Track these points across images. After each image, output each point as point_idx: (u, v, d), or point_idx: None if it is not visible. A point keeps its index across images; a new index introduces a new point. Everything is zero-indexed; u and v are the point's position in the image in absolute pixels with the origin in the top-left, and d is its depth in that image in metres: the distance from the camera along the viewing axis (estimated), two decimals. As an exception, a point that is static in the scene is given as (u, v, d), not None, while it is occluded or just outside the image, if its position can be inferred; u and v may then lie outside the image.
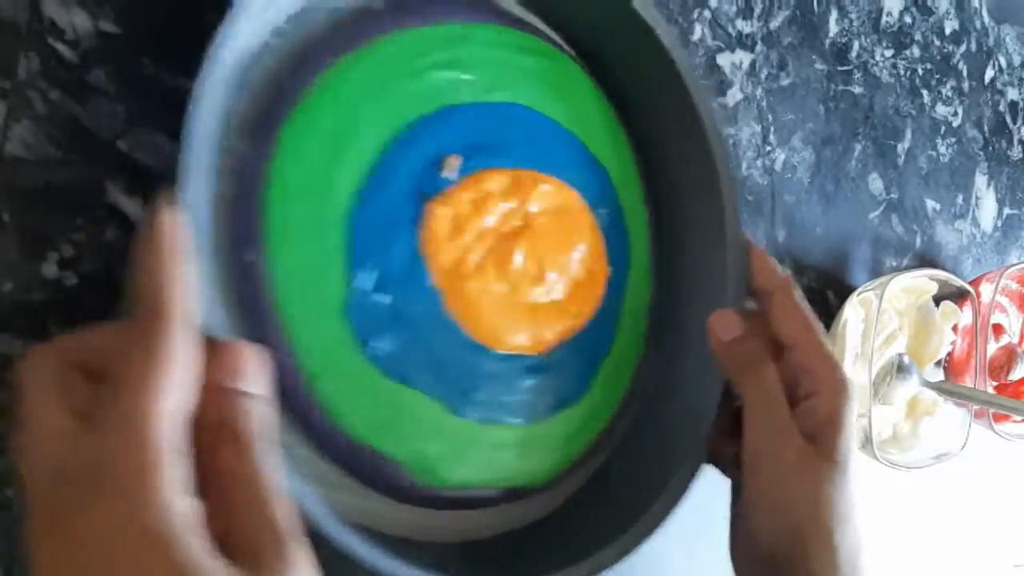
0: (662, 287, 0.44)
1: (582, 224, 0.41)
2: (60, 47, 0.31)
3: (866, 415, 0.51)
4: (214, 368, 0.24)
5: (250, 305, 0.32)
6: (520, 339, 0.38)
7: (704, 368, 0.39)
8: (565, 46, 0.42)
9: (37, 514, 0.21)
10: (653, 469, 0.40)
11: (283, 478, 0.24)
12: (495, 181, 0.38)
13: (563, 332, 0.40)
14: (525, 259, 0.39)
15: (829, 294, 0.55)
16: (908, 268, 0.59)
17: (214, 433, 0.23)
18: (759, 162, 0.52)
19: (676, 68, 0.40)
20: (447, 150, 0.37)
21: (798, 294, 0.38)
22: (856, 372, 0.52)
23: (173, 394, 0.22)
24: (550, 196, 0.40)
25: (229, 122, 0.31)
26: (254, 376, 0.24)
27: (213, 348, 0.24)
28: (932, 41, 0.62)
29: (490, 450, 0.38)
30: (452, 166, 0.36)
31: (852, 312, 0.53)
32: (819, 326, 0.37)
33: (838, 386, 0.36)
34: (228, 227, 0.31)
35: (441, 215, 0.36)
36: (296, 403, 0.33)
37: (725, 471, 0.39)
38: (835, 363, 0.36)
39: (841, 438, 0.35)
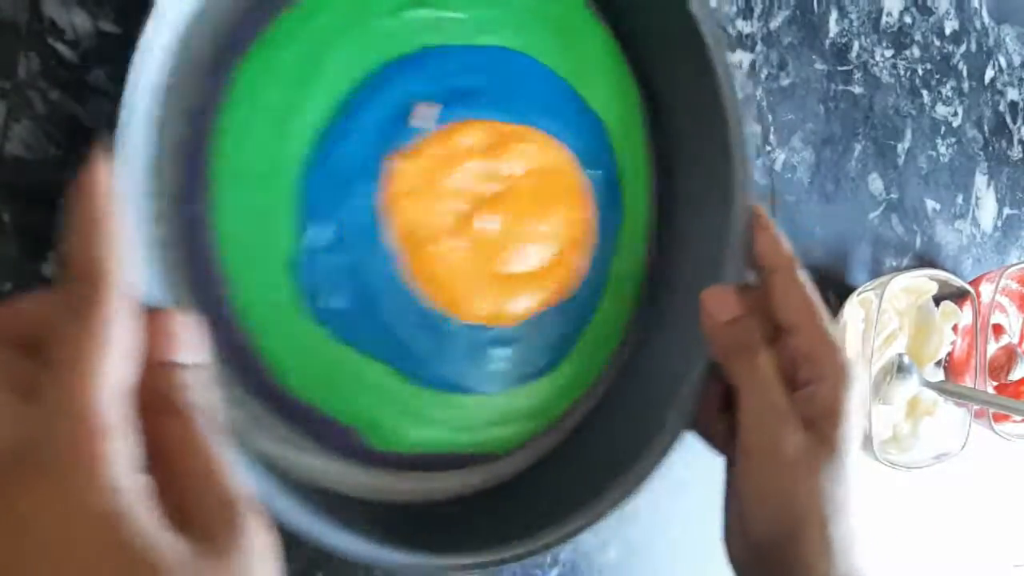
0: (656, 255, 0.42)
1: (569, 188, 0.38)
2: (60, 47, 0.31)
3: (866, 415, 0.51)
4: (150, 340, 0.22)
5: (193, 260, 0.30)
6: (484, 310, 0.36)
7: (691, 339, 0.37)
8: None
9: None
10: (630, 436, 0.38)
11: (229, 448, 0.23)
12: (471, 135, 0.35)
13: (535, 306, 0.37)
14: (500, 225, 0.36)
15: (829, 294, 0.55)
16: (908, 268, 0.59)
17: (156, 407, 0.22)
18: (759, 162, 0.52)
19: (691, 16, 0.36)
20: (421, 97, 0.34)
21: (802, 273, 0.36)
22: (856, 372, 0.52)
23: (114, 368, 0.21)
24: (534, 154, 0.37)
25: (179, 64, 0.29)
26: (190, 346, 0.23)
27: (147, 318, 0.23)
28: (932, 41, 0.62)
29: (451, 417, 0.36)
30: (425, 115, 0.33)
31: (852, 312, 0.53)
32: (823, 309, 0.35)
33: (841, 373, 0.34)
34: (174, 177, 0.30)
35: (404, 171, 0.34)
36: (245, 362, 0.32)
37: (716, 446, 0.38)
38: (838, 349, 0.34)
39: (841, 428, 0.33)
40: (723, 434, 0.37)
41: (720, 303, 0.36)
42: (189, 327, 0.24)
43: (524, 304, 0.37)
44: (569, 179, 0.38)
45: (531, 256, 0.37)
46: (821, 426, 0.33)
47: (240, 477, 0.23)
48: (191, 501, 0.22)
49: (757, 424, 0.34)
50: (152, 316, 0.23)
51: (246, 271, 0.31)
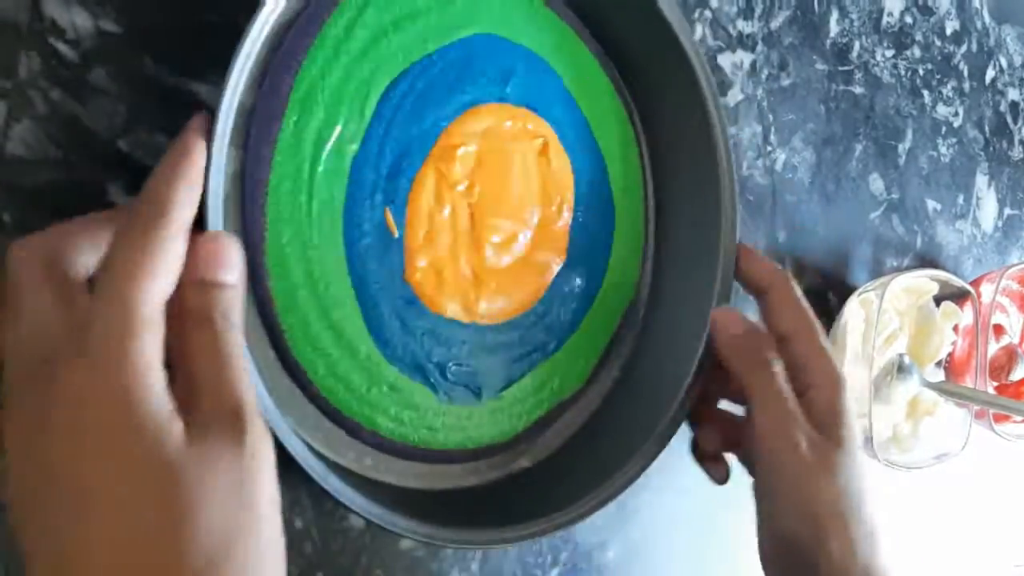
0: (650, 269, 0.45)
1: (556, 176, 0.41)
2: (61, 47, 0.31)
3: (866, 415, 0.51)
4: (191, 258, 0.26)
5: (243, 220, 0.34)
6: (454, 308, 0.39)
7: (686, 336, 0.40)
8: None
9: (14, 391, 0.24)
10: (629, 430, 0.40)
11: (247, 364, 0.26)
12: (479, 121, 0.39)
13: (515, 303, 0.40)
14: (476, 193, 0.39)
15: (830, 294, 0.55)
16: (909, 268, 0.59)
17: (187, 318, 0.25)
18: (760, 162, 0.52)
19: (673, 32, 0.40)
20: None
21: (796, 288, 0.39)
22: (856, 372, 0.52)
23: (162, 279, 0.24)
24: (528, 136, 0.40)
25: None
26: (227, 266, 0.26)
27: (194, 238, 0.26)
28: (933, 41, 0.62)
29: (446, 419, 0.39)
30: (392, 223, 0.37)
31: (853, 312, 0.53)
32: (815, 320, 0.38)
33: (834, 378, 0.37)
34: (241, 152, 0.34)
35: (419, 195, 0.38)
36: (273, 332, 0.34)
37: (708, 468, 0.41)
38: (830, 357, 0.38)
39: (846, 426, 0.36)
40: (711, 452, 0.40)
41: (730, 319, 0.39)
42: (226, 248, 0.26)
43: (491, 305, 0.40)
44: (559, 170, 0.42)
45: (507, 233, 0.40)
46: (828, 427, 0.36)
47: (251, 385, 0.25)
48: (207, 400, 0.24)
49: (775, 430, 0.36)
50: (197, 236, 0.26)
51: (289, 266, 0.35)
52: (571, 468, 0.41)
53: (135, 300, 0.23)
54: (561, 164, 0.42)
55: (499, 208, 0.40)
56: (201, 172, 0.27)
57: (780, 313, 0.38)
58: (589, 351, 0.43)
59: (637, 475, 0.39)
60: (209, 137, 0.27)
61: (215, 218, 0.28)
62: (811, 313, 0.38)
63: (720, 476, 0.40)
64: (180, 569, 0.22)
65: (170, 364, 0.24)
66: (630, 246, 0.44)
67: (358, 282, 0.36)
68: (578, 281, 0.42)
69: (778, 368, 0.37)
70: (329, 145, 0.35)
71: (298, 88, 0.34)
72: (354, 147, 0.36)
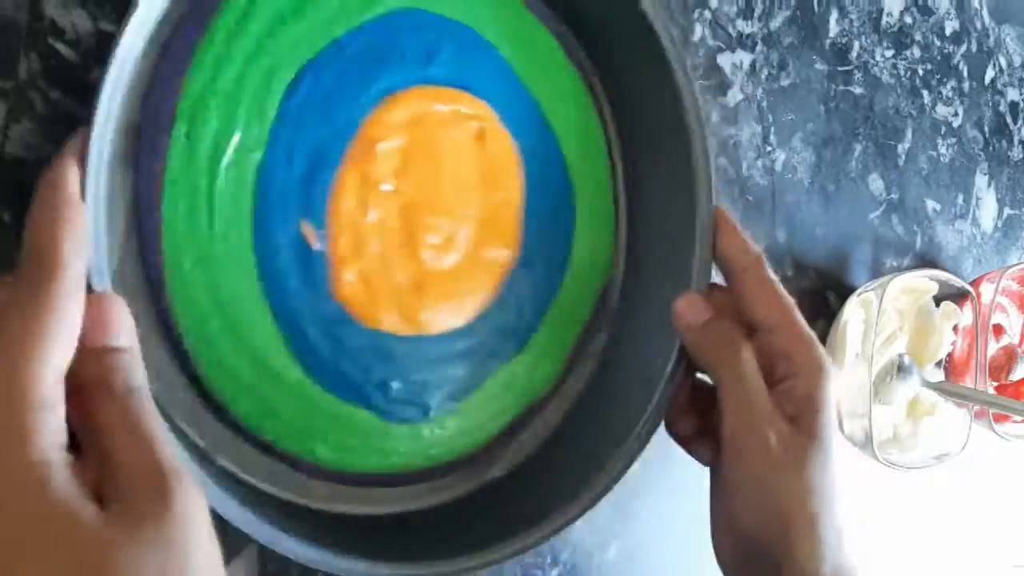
0: (620, 263, 0.42)
1: (499, 165, 0.38)
2: (60, 47, 0.31)
3: (866, 415, 0.51)
4: (85, 324, 0.24)
5: (141, 264, 0.31)
6: (391, 320, 0.35)
7: (659, 332, 0.38)
8: None
9: None
10: (598, 440, 0.38)
11: (161, 425, 0.24)
12: (404, 107, 0.35)
13: (466, 304, 0.37)
14: (413, 190, 0.35)
15: (829, 294, 0.55)
16: (908, 268, 0.59)
17: (86, 389, 0.23)
18: (759, 162, 0.52)
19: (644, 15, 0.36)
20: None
21: (770, 271, 0.36)
22: (856, 372, 0.52)
23: (56, 350, 0.22)
24: (462, 121, 0.37)
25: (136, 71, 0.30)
26: (116, 330, 0.24)
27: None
28: (932, 41, 0.62)
29: (386, 439, 0.36)
30: (311, 235, 0.33)
31: (852, 312, 0.53)
32: (793, 305, 0.36)
33: (818, 366, 0.34)
34: (125, 185, 0.31)
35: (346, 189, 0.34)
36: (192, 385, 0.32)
37: (690, 449, 0.38)
38: (814, 342, 0.35)
39: (822, 418, 0.34)
40: (692, 434, 0.37)
41: (692, 307, 0.36)
42: (115, 312, 0.24)
43: (434, 313, 0.36)
44: (501, 155, 0.38)
45: (446, 231, 0.37)
46: (802, 419, 0.34)
47: (169, 451, 0.23)
48: (122, 473, 0.22)
49: (742, 419, 0.34)
50: (86, 301, 0.24)
51: (196, 287, 0.32)
52: (549, 473, 0.38)
53: (29, 381, 0.21)
54: (503, 146, 0.38)
55: (434, 205, 0.36)
56: (82, 210, 0.24)
57: (756, 298, 0.35)
58: (557, 349, 0.40)
59: (620, 475, 0.36)
60: (83, 161, 0.25)
61: (101, 268, 0.25)
62: (789, 298, 0.35)
63: (706, 457, 0.37)
64: None
65: (76, 441, 0.23)
66: (596, 231, 0.40)
67: (277, 304, 0.33)
68: (537, 273, 0.39)
69: (747, 355, 0.34)
70: (228, 156, 0.31)
71: (186, 95, 0.30)
72: (257, 155, 0.32)
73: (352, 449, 0.35)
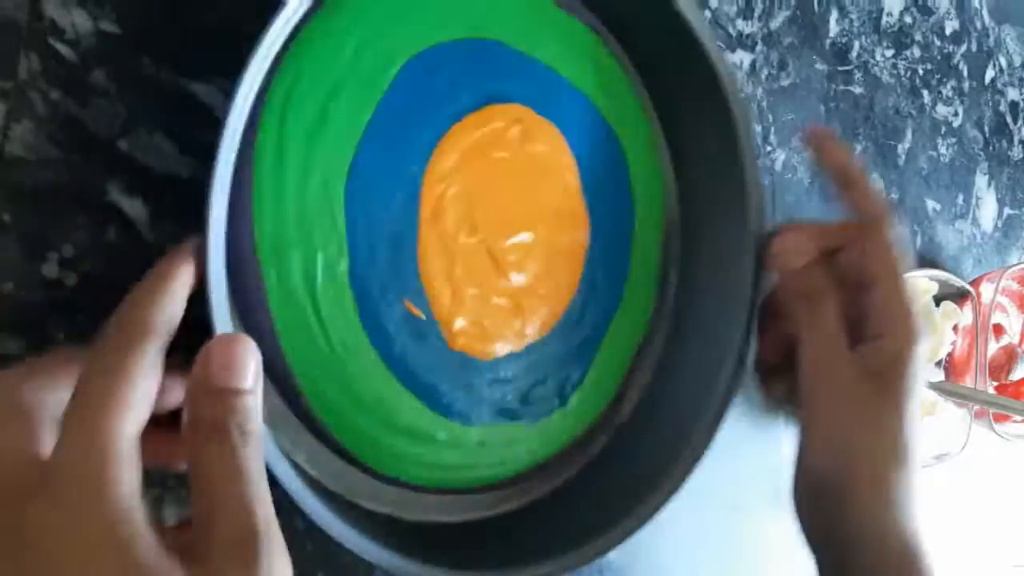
0: (673, 279, 0.43)
1: (565, 196, 0.39)
2: (60, 47, 0.31)
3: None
4: (201, 365, 0.24)
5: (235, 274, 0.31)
6: (504, 346, 0.37)
7: (712, 344, 0.39)
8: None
9: None
10: (612, 501, 0.39)
11: (265, 478, 0.24)
12: (496, 121, 0.37)
13: (534, 329, 0.38)
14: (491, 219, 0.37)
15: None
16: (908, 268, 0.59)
17: (199, 431, 0.23)
18: (759, 162, 0.52)
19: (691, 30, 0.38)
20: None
21: (892, 229, 0.37)
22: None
23: (136, 408, 0.22)
24: (541, 148, 0.38)
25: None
26: (242, 371, 0.24)
27: (205, 344, 0.24)
28: (932, 41, 0.62)
29: (462, 452, 0.37)
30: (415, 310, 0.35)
31: (852, 312, 0.53)
32: (903, 267, 0.36)
33: (911, 329, 0.35)
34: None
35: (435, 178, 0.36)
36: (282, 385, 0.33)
37: (776, 407, 0.39)
38: (913, 308, 0.35)
39: (905, 380, 0.34)
40: (783, 394, 0.38)
41: (797, 247, 0.37)
42: (244, 353, 0.24)
43: (522, 328, 0.38)
44: (549, 141, 0.39)
45: (523, 243, 0.38)
46: (885, 376, 0.34)
47: (269, 508, 0.23)
48: (220, 524, 0.22)
49: (822, 368, 0.35)
50: (213, 340, 0.24)
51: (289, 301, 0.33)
52: (603, 489, 0.40)
53: (108, 434, 0.22)
54: (547, 134, 0.39)
55: (509, 227, 0.38)
56: (183, 293, 0.25)
57: (872, 255, 0.36)
58: (616, 366, 0.42)
59: (673, 492, 0.37)
60: (201, 260, 0.26)
61: (221, 318, 0.26)
62: (903, 261, 0.36)
63: (777, 393, 0.38)
64: None
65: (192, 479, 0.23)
66: (650, 191, 0.42)
67: (410, 382, 0.35)
68: (608, 239, 0.41)
69: (832, 307, 0.35)
70: (320, 278, 0.32)
71: (262, 241, 0.31)
72: (344, 264, 0.33)
73: (505, 463, 0.38)
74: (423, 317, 0.35)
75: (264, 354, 0.29)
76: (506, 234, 0.38)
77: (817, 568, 0.36)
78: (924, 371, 0.35)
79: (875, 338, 0.35)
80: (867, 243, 0.36)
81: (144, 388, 0.23)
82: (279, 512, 0.23)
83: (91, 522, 0.21)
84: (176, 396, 0.26)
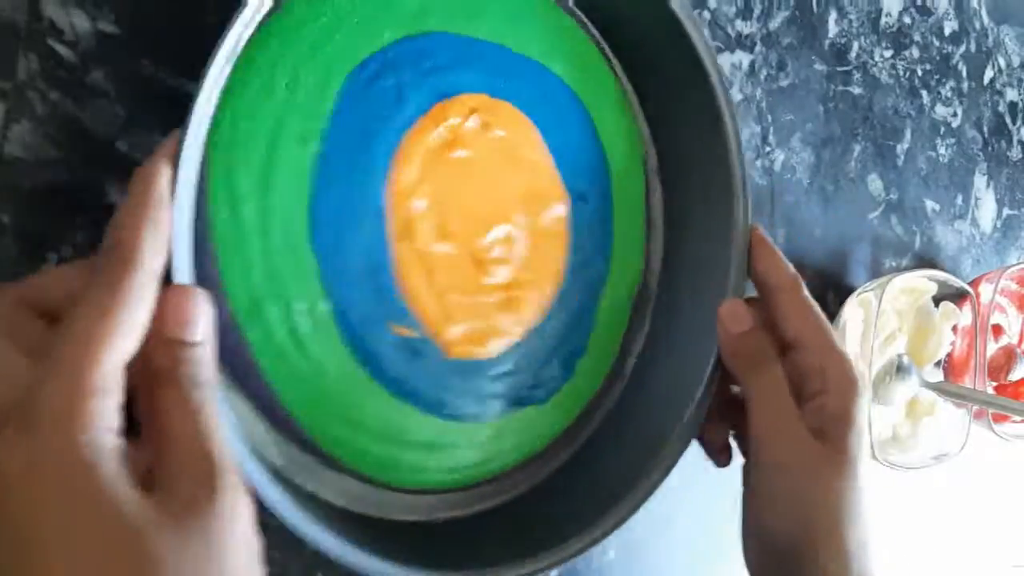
0: (655, 274, 0.43)
1: (543, 181, 0.38)
2: (59, 48, 0.31)
3: (865, 415, 0.51)
4: (158, 315, 0.24)
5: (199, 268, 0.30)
6: (500, 342, 0.37)
7: (693, 345, 0.39)
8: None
9: None
10: (633, 455, 0.39)
11: (220, 424, 0.24)
12: (459, 112, 0.35)
13: (519, 326, 0.38)
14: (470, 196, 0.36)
15: (829, 294, 0.55)
16: (907, 268, 0.59)
17: (153, 376, 0.24)
18: (758, 163, 0.52)
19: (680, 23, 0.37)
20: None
21: (806, 292, 0.37)
22: (856, 372, 0.52)
23: (120, 341, 0.23)
24: (510, 136, 0.37)
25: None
26: (195, 323, 0.25)
27: (162, 294, 0.24)
28: (931, 42, 0.62)
29: (451, 443, 0.36)
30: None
31: (851, 312, 0.53)
32: (827, 323, 0.37)
33: (850, 383, 0.35)
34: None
35: (404, 168, 0.35)
36: (248, 383, 0.32)
37: (713, 456, 0.40)
38: (847, 360, 0.36)
39: (851, 435, 0.35)
40: (721, 445, 0.39)
41: (737, 316, 0.37)
42: (195, 306, 0.25)
43: (506, 325, 0.37)
44: (511, 125, 0.38)
45: (502, 236, 0.37)
46: (832, 434, 0.35)
47: (225, 446, 0.24)
48: (175, 461, 0.23)
49: (771, 431, 0.35)
50: (166, 292, 0.24)
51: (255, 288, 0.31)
52: (586, 485, 0.39)
53: (90, 363, 0.22)
54: (507, 117, 0.37)
55: (483, 224, 0.37)
56: (166, 211, 0.25)
57: (792, 317, 0.37)
58: (603, 358, 0.41)
59: (655, 487, 0.37)
60: (175, 163, 0.25)
61: (181, 266, 0.25)
62: (823, 316, 0.37)
63: (724, 460, 0.39)
64: None
65: (136, 426, 0.23)
66: (622, 141, 0.41)
67: (416, 400, 0.34)
68: (588, 202, 0.40)
69: (777, 369, 0.36)
70: (304, 325, 0.32)
71: (236, 305, 0.30)
72: (323, 306, 0.32)
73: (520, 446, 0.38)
74: (415, 335, 0.34)
75: (264, 403, 0.30)
76: (482, 232, 0.37)
77: None
78: (867, 423, 0.36)
79: (816, 397, 0.36)
80: (785, 307, 0.37)
81: (132, 318, 0.23)
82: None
83: (61, 454, 0.21)
84: None
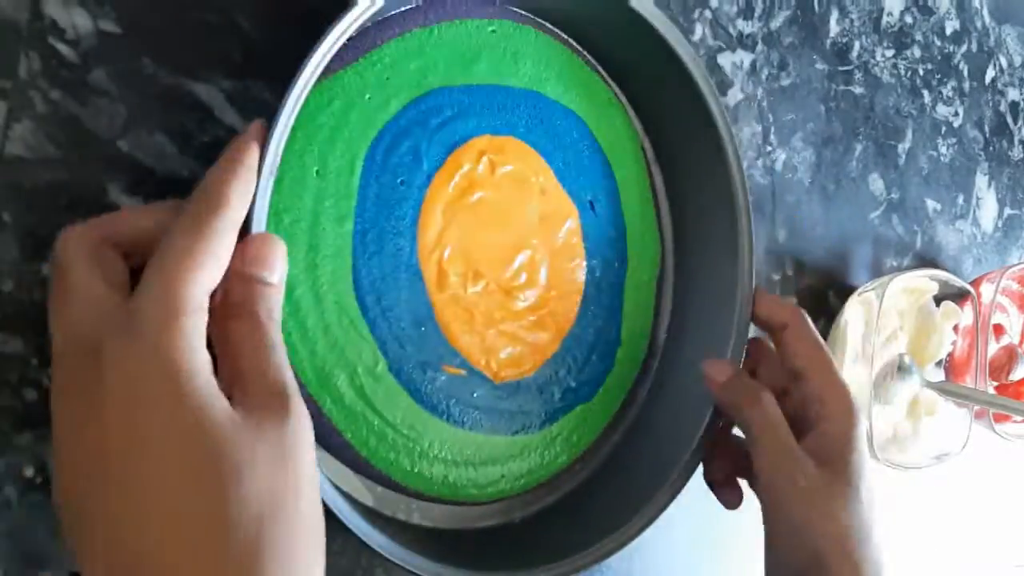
0: (670, 246, 0.46)
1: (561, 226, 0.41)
2: (61, 47, 0.31)
3: (866, 415, 0.51)
4: (239, 254, 0.27)
5: None
6: (534, 361, 0.40)
7: (724, 252, 0.42)
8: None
9: (63, 374, 0.25)
10: (646, 474, 0.41)
11: (286, 354, 0.27)
12: (471, 158, 0.39)
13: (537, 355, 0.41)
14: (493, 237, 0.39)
15: (829, 294, 0.55)
16: (909, 268, 0.59)
17: (231, 309, 0.26)
18: (760, 162, 0.52)
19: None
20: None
21: (810, 323, 0.40)
22: (856, 372, 0.52)
23: (210, 269, 0.25)
24: (522, 170, 0.40)
25: None
26: (272, 266, 0.27)
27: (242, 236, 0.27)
28: (933, 41, 0.62)
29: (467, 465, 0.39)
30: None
31: (853, 312, 0.53)
32: (829, 353, 0.39)
33: (847, 410, 0.37)
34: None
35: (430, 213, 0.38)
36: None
37: (722, 498, 0.41)
38: (846, 389, 0.38)
39: (852, 459, 0.36)
40: (723, 481, 0.41)
41: (716, 367, 0.40)
42: (276, 252, 0.28)
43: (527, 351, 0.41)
44: (520, 158, 0.41)
45: (524, 262, 0.40)
46: (834, 460, 0.36)
47: (291, 375, 0.27)
48: (250, 383, 0.26)
49: (771, 463, 0.37)
50: (251, 236, 0.28)
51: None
52: (602, 502, 0.42)
53: (183, 285, 0.24)
54: (512, 151, 0.40)
55: (506, 256, 0.40)
56: (254, 173, 0.28)
57: (795, 349, 0.39)
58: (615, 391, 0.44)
59: (666, 504, 0.40)
60: (263, 143, 0.28)
61: (261, 220, 0.29)
62: (826, 348, 0.39)
63: (733, 501, 0.41)
64: (232, 525, 0.23)
65: (212, 352, 0.25)
66: (620, 141, 0.44)
67: (480, 427, 0.39)
68: (595, 208, 0.43)
69: (768, 400, 0.37)
70: (367, 386, 0.35)
71: (309, 382, 0.34)
72: (382, 365, 0.36)
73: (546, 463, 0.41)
74: (464, 374, 0.38)
75: (346, 456, 0.35)
76: (507, 264, 0.40)
77: None
78: (867, 449, 0.37)
79: (816, 426, 0.37)
80: (789, 340, 0.40)
81: (217, 252, 0.26)
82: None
83: (161, 359, 0.24)
84: None
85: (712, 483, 0.41)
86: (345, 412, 0.35)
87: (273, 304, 0.27)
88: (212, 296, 0.26)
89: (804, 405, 0.38)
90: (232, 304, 0.27)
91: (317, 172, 0.35)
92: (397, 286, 0.36)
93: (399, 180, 0.37)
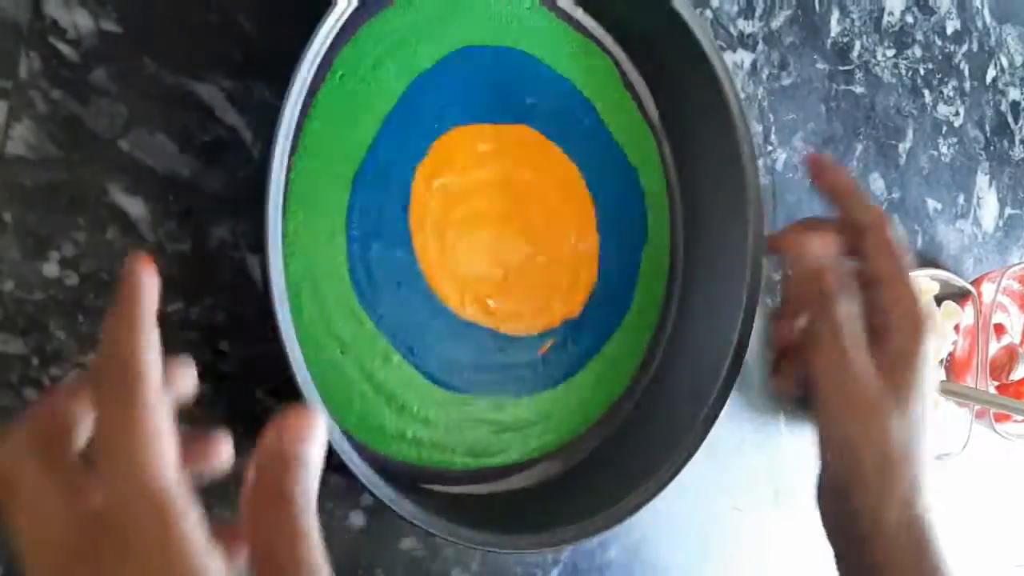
0: (682, 253, 0.46)
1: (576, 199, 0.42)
2: (61, 46, 0.31)
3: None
4: (276, 433, 0.23)
5: None
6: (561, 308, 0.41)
7: (718, 333, 0.41)
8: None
9: None
10: (659, 437, 0.41)
11: (319, 536, 0.24)
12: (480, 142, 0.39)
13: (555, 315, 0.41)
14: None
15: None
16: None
17: (264, 493, 0.23)
18: (760, 162, 0.52)
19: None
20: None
21: (891, 229, 0.38)
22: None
23: (166, 450, 0.22)
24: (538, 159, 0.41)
25: None
26: (313, 445, 0.24)
27: (280, 417, 0.24)
28: (933, 41, 0.62)
29: (476, 427, 0.40)
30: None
31: (853, 312, 0.53)
32: (906, 263, 0.38)
33: (914, 323, 0.36)
34: None
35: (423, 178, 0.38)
36: None
37: (782, 396, 0.42)
38: (917, 302, 0.37)
39: (913, 375, 0.36)
40: (788, 380, 0.40)
41: (812, 245, 0.39)
42: (318, 429, 0.24)
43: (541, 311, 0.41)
44: (575, 191, 0.42)
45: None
46: (894, 373, 0.35)
47: (327, 567, 0.23)
48: None
49: (833, 368, 0.36)
50: (288, 413, 0.24)
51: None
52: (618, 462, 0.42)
53: (158, 484, 0.21)
54: (521, 134, 0.41)
55: (506, 239, 0.41)
56: (154, 320, 0.24)
57: (876, 256, 0.38)
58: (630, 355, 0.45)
59: (680, 467, 0.39)
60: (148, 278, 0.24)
61: (308, 393, 0.30)
62: (905, 259, 0.38)
63: (785, 384, 0.41)
64: None
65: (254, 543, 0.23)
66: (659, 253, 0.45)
67: (507, 390, 0.40)
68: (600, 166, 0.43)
69: (843, 307, 0.36)
70: (380, 371, 0.36)
71: (328, 402, 0.35)
72: (396, 357, 0.37)
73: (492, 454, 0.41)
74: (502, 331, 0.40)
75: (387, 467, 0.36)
76: (506, 243, 0.41)
77: (837, 564, 0.36)
78: (931, 368, 0.36)
79: (885, 333, 0.36)
80: (870, 244, 0.38)
81: (166, 425, 0.22)
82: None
83: (168, 566, 0.21)
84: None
85: (776, 375, 0.41)
86: (365, 415, 0.36)
87: (310, 486, 0.23)
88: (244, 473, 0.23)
89: (875, 313, 0.37)
90: (266, 487, 0.23)
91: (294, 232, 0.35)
92: (403, 294, 0.37)
93: (385, 200, 0.37)
